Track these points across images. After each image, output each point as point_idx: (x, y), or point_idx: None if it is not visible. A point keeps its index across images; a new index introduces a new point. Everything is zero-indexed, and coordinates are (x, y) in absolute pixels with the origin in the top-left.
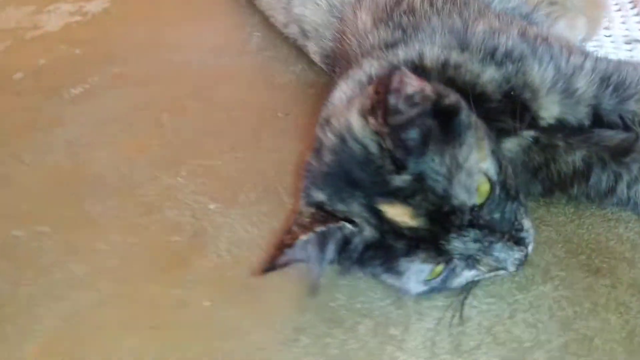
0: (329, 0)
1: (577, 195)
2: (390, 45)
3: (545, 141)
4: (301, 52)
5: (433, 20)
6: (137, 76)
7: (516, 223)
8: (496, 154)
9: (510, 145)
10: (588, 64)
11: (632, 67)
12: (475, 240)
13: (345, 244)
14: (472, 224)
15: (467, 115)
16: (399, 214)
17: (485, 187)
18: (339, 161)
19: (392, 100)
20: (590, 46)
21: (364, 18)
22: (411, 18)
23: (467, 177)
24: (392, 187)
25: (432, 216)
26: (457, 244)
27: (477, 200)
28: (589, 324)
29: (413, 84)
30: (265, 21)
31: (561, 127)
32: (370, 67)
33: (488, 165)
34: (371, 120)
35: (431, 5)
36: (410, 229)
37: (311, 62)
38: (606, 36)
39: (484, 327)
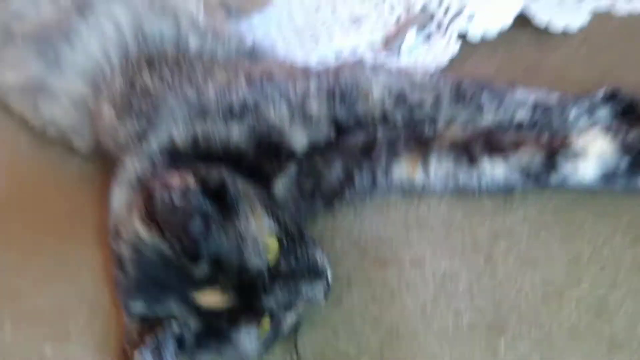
0: (71, 97)
1: (351, 197)
2: (142, 136)
3: (307, 167)
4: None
5: (168, 97)
6: None
7: (310, 260)
8: (271, 208)
9: (281, 184)
10: (313, 85)
11: (348, 72)
12: (284, 292)
13: (179, 343)
14: (275, 280)
15: (235, 187)
16: (211, 298)
17: (273, 244)
18: (142, 270)
19: (161, 206)
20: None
21: (107, 112)
22: (149, 101)
23: (253, 244)
24: (196, 278)
25: (239, 289)
26: (270, 301)
27: (270, 259)
28: (392, 317)
29: (174, 184)
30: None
31: (314, 148)
32: (133, 164)
33: (267, 224)
34: (153, 225)
35: (162, 81)
36: (225, 306)
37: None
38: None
39: (318, 354)
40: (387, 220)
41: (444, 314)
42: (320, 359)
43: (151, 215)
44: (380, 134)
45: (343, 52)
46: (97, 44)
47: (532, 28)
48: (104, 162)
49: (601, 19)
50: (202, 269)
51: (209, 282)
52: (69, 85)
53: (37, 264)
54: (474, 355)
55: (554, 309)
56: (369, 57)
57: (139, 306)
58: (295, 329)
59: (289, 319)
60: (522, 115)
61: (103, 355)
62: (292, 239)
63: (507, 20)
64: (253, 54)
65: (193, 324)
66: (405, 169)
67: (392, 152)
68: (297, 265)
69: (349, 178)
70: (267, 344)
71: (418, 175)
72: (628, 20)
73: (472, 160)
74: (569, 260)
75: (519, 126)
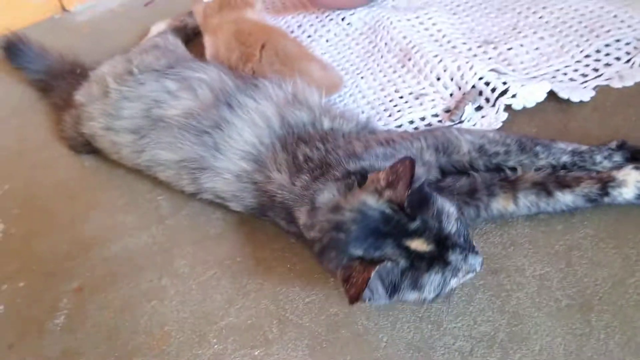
0: (233, 173)
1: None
2: (316, 182)
3: None
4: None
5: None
6: None
7: (470, 240)
8: (454, 203)
9: None
10: (423, 143)
11: (442, 133)
12: (460, 254)
13: (388, 276)
14: (455, 245)
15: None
16: (419, 244)
17: (456, 219)
18: (364, 226)
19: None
20: (388, 104)
21: (278, 176)
22: (313, 164)
23: (447, 215)
24: (410, 230)
25: (437, 242)
26: (454, 256)
27: (454, 227)
28: (512, 305)
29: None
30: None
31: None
32: (335, 182)
33: (451, 207)
34: (387, 193)
35: (318, 150)
36: (427, 252)
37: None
38: (399, 97)
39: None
40: (487, 241)
41: (547, 300)
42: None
43: (389, 187)
44: (479, 179)
45: (415, 122)
46: (251, 132)
47: (558, 100)
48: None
49: (604, 92)
50: (415, 225)
51: (418, 234)
52: (231, 165)
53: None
54: (575, 325)
55: (621, 292)
56: (436, 124)
57: (358, 252)
58: (449, 295)
59: (451, 283)
60: (565, 159)
61: (299, 352)
62: (463, 222)
63: (540, 97)
64: (368, 127)
65: (402, 262)
66: (501, 204)
67: (491, 193)
68: (465, 242)
69: (460, 212)
70: (436, 296)
71: (510, 207)
72: (625, 91)
73: (549, 194)
74: (622, 260)
75: (564, 167)
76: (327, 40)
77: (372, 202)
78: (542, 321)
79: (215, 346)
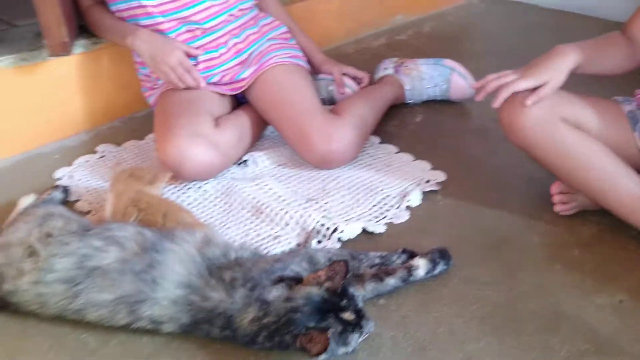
0: (170, 299)
1: None
2: (252, 291)
3: None
4: None
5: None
6: None
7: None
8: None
9: None
10: (297, 259)
11: (304, 251)
12: (365, 320)
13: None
14: (364, 315)
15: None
16: (348, 315)
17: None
18: (312, 307)
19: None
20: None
21: (216, 295)
22: (240, 282)
23: (356, 297)
24: (342, 306)
25: (356, 313)
26: (364, 322)
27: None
28: None
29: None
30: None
31: None
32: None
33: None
34: (326, 284)
35: (238, 271)
36: (352, 320)
37: None
38: (262, 239)
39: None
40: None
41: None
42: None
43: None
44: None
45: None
46: (180, 266)
47: (367, 232)
48: None
49: (391, 225)
50: (344, 302)
51: (346, 308)
52: (168, 293)
53: None
54: None
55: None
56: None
57: (312, 324)
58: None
59: (360, 340)
60: (377, 261)
61: None
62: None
63: (357, 231)
64: (257, 253)
65: (339, 328)
66: (356, 289)
67: (354, 281)
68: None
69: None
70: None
71: (361, 291)
72: (401, 225)
73: (381, 280)
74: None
75: (377, 265)
76: (188, 204)
77: (314, 291)
78: None
79: None
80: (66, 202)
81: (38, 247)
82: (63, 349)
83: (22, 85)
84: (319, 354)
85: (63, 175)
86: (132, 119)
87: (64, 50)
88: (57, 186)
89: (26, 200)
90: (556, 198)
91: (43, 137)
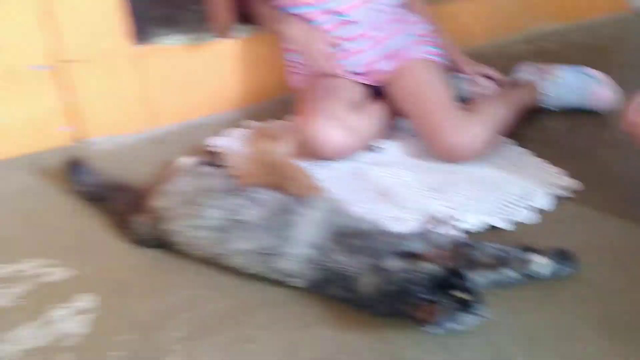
0: (301, 257)
1: None
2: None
3: None
4: None
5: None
6: None
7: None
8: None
9: None
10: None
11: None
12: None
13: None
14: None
15: None
16: (466, 295)
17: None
18: (432, 280)
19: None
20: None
21: (342, 257)
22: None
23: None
24: (463, 286)
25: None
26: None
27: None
28: None
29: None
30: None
31: None
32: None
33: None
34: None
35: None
36: (468, 301)
37: None
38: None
39: None
40: None
41: None
42: None
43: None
44: None
45: None
46: (312, 228)
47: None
48: None
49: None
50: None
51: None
52: (300, 251)
53: None
54: None
55: None
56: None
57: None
58: None
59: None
60: (497, 253)
61: None
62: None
63: (479, 223)
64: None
65: (452, 305)
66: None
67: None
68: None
69: None
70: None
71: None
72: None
73: (498, 270)
74: None
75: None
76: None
77: (434, 267)
78: None
79: None
80: (215, 165)
81: (194, 197)
82: (208, 285)
83: (188, 62)
84: (429, 323)
85: (215, 143)
86: (276, 102)
87: (225, 33)
88: (209, 152)
89: (184, 161)
90: None
91: (202, 110)
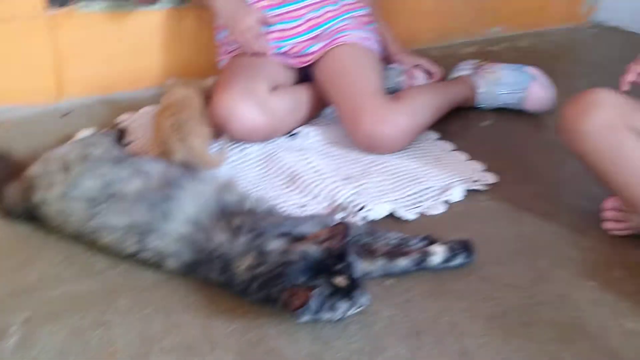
0: (176, 234)
1: None
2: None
3: None
4: None
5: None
6: None
7: (362, 283)
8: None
9: None
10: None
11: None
12: (360, 291)
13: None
14: (358, 285)
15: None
16: (340, 280)
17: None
18: (306, 264)
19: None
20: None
21: (221, 235)
22: (248, 226)
23: (355, 266)
24: (336, 270)
25: (350, 280)
26: (356, 293)
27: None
28: None
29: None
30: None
31: None
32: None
33: (359, 261)
34: (325, 244)
35: (248, 218)
36: (344, 287)
37: None
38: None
39: None
40: None
41: None
42: None
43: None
44: None
45: None
46: (193, 204)
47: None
48: None
49: (423, 215)
50: (340, 266)
51: (341, 273)
52: (176, 227)
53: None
54: None
55: None
56: None
57: (302, 280)
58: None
59: (351, 312)
60: (393, 241)
61: None
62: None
63: (384, 213)
64: (273, 208)
65: (328, 291)
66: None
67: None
68: (360, 285)
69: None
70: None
71: (370, 267)
72: (435, 217)
73: (393, 259)
74: None
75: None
76: (227, 164)
77: (312, 249)
78: None
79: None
80: (120, 142)
81: (72, 164)
82: (72, 265)
83: (108, 32)
84: (296, 309)
85: (125, 119)
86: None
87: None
88: (115, 127)
89: (83, 133)
90: (608, 214)
91: (119, 84)
